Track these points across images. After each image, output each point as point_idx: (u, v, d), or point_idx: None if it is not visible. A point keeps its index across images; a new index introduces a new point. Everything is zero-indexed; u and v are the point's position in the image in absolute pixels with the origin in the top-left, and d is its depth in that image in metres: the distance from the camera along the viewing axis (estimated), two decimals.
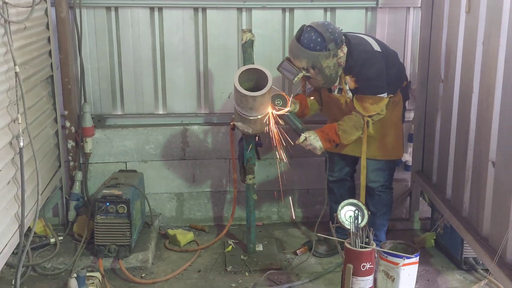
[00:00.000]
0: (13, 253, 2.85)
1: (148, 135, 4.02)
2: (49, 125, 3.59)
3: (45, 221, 3.80)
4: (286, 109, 3.27)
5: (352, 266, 2.71)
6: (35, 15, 3.19)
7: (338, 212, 3.00)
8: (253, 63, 3.37)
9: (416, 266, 3.16)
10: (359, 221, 2.91)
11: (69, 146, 3.90)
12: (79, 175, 3.91)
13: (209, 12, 3.90)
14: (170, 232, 3.89)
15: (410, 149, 4.00)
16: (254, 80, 3.23)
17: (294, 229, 4.13)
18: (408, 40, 4.04)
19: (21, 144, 2.79)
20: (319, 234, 3.39)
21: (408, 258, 3.10)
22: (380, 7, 3.95)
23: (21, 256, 2.84)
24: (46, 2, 3.54)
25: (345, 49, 3.23)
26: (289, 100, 3.30)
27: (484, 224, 2.86)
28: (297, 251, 3.71)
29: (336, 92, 3.41)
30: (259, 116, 3.24)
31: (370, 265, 2.73)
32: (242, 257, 3.64)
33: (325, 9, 3.95)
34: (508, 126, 2.58)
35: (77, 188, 3.90)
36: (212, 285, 3.33)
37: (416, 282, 3.21)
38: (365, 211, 2.98)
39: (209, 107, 4.09)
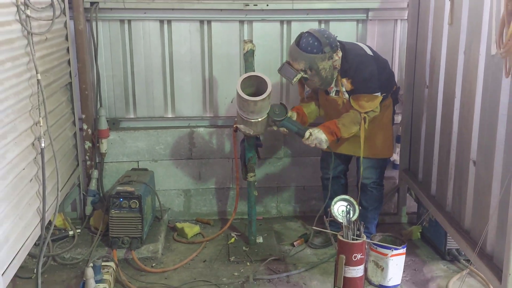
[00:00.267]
0: (35, 244, 2.85)
1: (158, 136, 4.02)
2: (68, 128, 3.60)
3: (64, 215, 3.80)
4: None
5: (344, 257, 2.71)
6: (55, 28, 3.20)
7: (332, 207, 3.00)
8: (254, 71, 3.37)
9: (404, 256, 3.16)
10: (351, 215, 2.91)
11: (86, 146, 3.90)
12: (95, 173, 3.92)
13: (213, 25, 3.90)
14: (178, 225, 3.89)
15: (398, 149, 3.99)
16: (255, 86, 3.24)
17: (291, 223, 4.12)
18: (396, 50, 4.04)
19: (43, 145, 2.80)
20: (314, 227, 3.39)
21: (396, 249, 3.10)
22: (370, 20, 3.95)
23: (42, 247, 2.84)
24: (65, 15, 3.55)
25: (340, 53, 3.24)
26: (286, 108, 3.30)
27: (465, 218, 2.85)
28: (294, 243, 3.70)
29: (333, 94, 3.41)
30: (260, 119, 3.24)
31: (361, 255, 2.72)
32: (244, 248, 3.64)
33: (320, 21, 3.95)
34: (487, 128, 2.58)
35: (93, 185, 3.90)
36: (217, 274, 3.33)
37: (404, 271, 3.21)
38: (356, 206, 2.98)
39: (213, 111, 4.09)
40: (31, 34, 2.75)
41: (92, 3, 3.72)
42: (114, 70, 3.94)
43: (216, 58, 3.97)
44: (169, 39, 3.92)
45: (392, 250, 3.10)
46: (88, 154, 3.91)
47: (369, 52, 3.34)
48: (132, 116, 4.06)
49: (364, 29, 3.99)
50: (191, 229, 3.84)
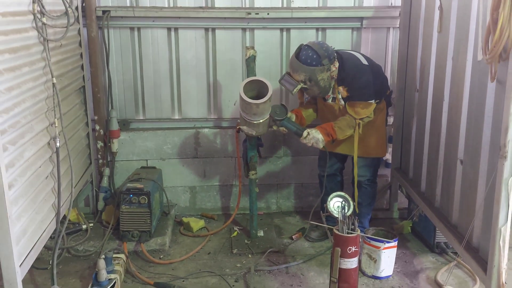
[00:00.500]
0: (50, 237, 2.85)
1: (166, 136, 4.02)
2: (81, 128, 3.60)
3: (78, 210, 3.80)
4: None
5: (339, 249, 2.70)
6: (70, 34, 3.20)
7: (328, 202, 2.99)
8: (256, 75, 3.36)
9: (395, 249, 3.16)
10: (346, 211, 2.90)
11: (98, 146, 3.90)
12: (107, 171, 3.91)
13: (217, 32, 3.90)
14: (184, 219, 3.89)
15: (390, 149, 3.98)
16: (257, 89, 3.23)
17: (290, 218, 4.11)
18: (388, 56, 4.03)
19: (58, 144, 2.80)
20: (311, 222, 3.39)
21: (388, 242, 3.10)
22: (364, 28, 3.94)
23: (57, 240, 2.84)
24: (79, 23, 3.55)
25: (337, 64, 3.24)
26: (286, 108, 3.30)
27: (453, 213, 2.85)
28: (293, 236, 3.70)
29: (330, 100, 3.41)
30: (261, 120, 3.23)
31: (355, 248, 2.72)
32: (246, 241, 3.64)
33: (317, 29, 3.94)
34: (473, 129, 2.58)
35: (105, 182, 3.89)
36: (220, 265, 3.32)
37: (395, 263, 3.21)
38: (351, 202, 2.97)
39: (217, 113, 4.09)
40: (47, 41, 2.75)
41: (104, 12, 3.71)
42: (125, 75, 3.93)
43: (220, 64, 3.96)
44: (176, 46, 3.92)
45: (385, 243, 3.09)
46: (100, 153, 3.91)
47: (364, 61, 3.33)
48: (141, 117, 4.05)
49: (358, 37, 3.98)
50: (196, 223, 3.83)
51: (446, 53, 2.88)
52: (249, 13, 3.80)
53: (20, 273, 2.33)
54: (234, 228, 3.83)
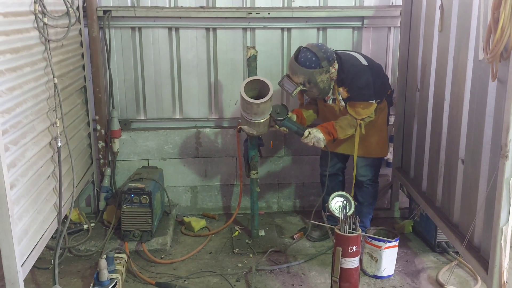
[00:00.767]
0: (52, 237, 2.86)
1: (167, 136, 4.03)
2: (82, 128, 3.60)
3: (79, 210, 3.80)
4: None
5: (341, 249, 2.70)
6: (71, 35, 3.20)
7: (329, 202, 2.99)
8: (257, 75, 3.36)
9: (396, 249, 3.16)
10: (347, 210, 2.90)
11: (100, 146, 3.90)
12: (108, 171, 3.92)
13: (218, 32, 3.90)
14: (186, 219, 3.89)
15: (391, 149, 3.98)
16: (258, 89, 3.23)
17: (291, 217, 4.12)
18: (389, 55, 4.03)
19: (59, 144, 2.81)
20: (313, 221, 3.39)
21: (389, 242, 3.10)
22: (365, 27, 3.94)
23: (59, 240, 2.85)
24: (80, 23, 3.55)
25: (336, 65, 3.24)
26: (287, 108, 3.30)
27: (454, 213, 2.85)
28: (294, 236, 3.70)
29: (330, 101, 3.42)
30: (262, 120, 3.24)
31: (356, 248, 2.72)
32: (247, 241, 3.64)
33: (318, 28, 3.95)
34: (474, 128, 2.58)
35: (106, 181, 3.90)
36: (222, 265, 3.33)
37: (396, 262, 3.21)
38: (352, 202, 2.98)
39: (219, 113, 4.09)
40: (48, 41, 2.76)
41: (105, 12, 3.72)
42: (126, 75, 3.94)
43: (221, 63, 3.97)
44: (177, 46, 3.92)
45: (386, 243, 3.09)
46: (101, 153, 3.92)
47: (364, 61, 3.32)
48: (142, 117, 4.06)
49: (359, 36, 3.98)
50: (197, 223, 3.84)
51: (447, 52, 2.88)
52: (250, 13, 3.80)
53: (21, 273, 2.34)
54: (235, 228, 3.83)
